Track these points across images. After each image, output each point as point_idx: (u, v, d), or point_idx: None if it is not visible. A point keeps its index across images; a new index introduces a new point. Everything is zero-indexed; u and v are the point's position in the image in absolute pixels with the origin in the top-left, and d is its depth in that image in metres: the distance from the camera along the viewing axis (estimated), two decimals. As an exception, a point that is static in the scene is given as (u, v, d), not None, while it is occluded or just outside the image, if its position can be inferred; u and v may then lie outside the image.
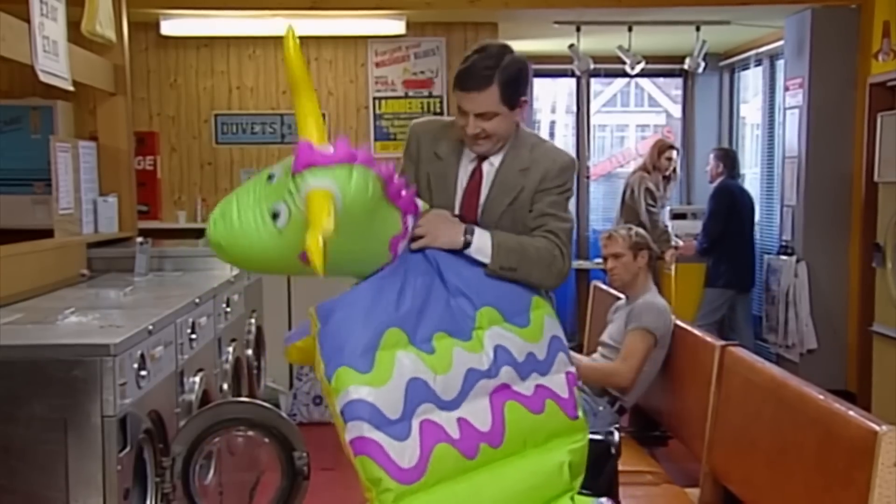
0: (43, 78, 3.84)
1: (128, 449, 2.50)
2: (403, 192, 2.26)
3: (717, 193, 6.63)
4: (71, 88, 4.13)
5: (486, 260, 2.42)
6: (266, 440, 2.95)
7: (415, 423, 2.16)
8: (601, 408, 3.67)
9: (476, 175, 2.58)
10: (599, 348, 3.94)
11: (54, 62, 3.98)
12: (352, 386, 2.13)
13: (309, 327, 2.29)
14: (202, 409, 3.01)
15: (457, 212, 2.54)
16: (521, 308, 2.45)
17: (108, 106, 5.07)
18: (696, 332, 3.60)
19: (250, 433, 2.97)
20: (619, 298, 4.18)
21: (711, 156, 6.86)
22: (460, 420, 2.22)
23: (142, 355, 2.66)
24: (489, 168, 2.57)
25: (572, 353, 4.14)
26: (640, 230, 3.97)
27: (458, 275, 2.38)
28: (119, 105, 5.08)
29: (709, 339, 3.39)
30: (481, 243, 2.43)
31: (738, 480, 2.90)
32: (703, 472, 3.11)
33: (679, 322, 3.76)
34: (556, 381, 2.46)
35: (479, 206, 2.55)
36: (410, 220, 2.36)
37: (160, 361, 2.84)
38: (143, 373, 2.66)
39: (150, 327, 2.76)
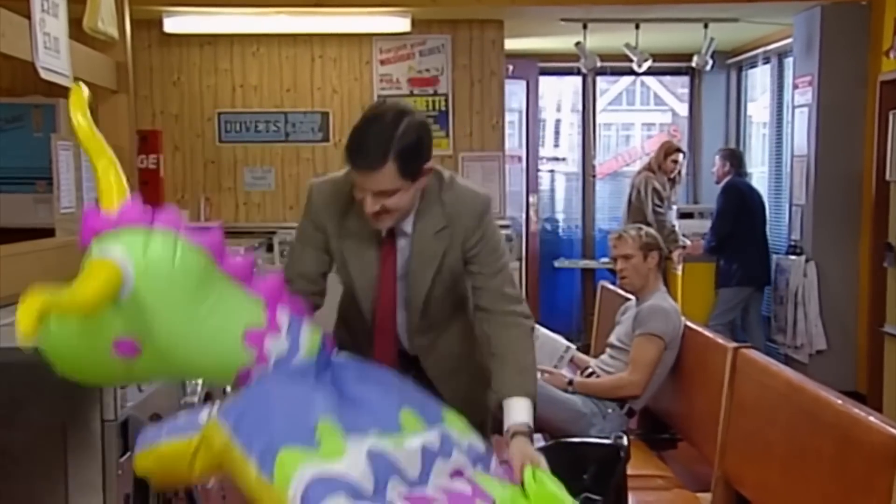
0: (43, 75, 3.78)
1: (129, 454, 2.44)
2: (250, 271, 1.93)
3: (725, 191, 6.57)
4: (72, 85, 4.06)
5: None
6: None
7: (396, 501, 1.78)
8: (610, 410, 3.62)
9: (388, 252, 2.37)
10: (608, 349, 3.88)
11: (55, 59, 3.92)
12: (305, 464, 1.72)
13: (183, 426, 1.93)
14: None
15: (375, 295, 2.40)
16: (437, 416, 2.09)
17: (111, 104, 5.00)
18: (707, 333, 3.54)
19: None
20: (627, 298, 4.12)
21: (717, 156, 6.81)
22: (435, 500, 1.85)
23: (143, 357, 2.60)
24: (403, 240, 2.37)
25: (581, 356, 4.12)
26: (651, 230, 3.91)
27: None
28: (121, 103, 5.01)
29: (720, 340, 3.33)
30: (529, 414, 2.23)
31: (751, 485, 2.84)
32: (716, 477, 3.05)
33: (689, 323, 3.70)
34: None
35: (396, 288, 2.39)
36: (284, 315, 1.97)
37: (162, 364, 2.79)
38: (145, 375, 2.60)
39: (152, 329, 2.70)
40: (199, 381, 3.24)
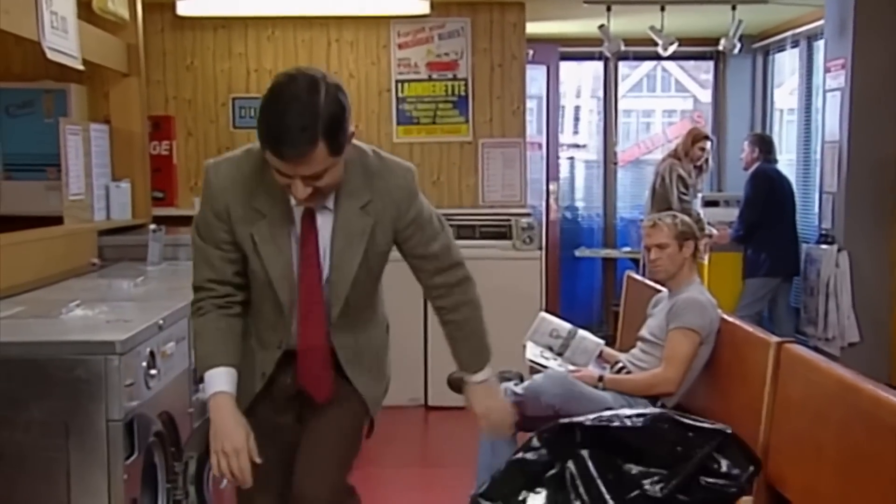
0: (50, 55, 3.64)
1: (135, 455, 2.30)
2: None
3: (753, 178, 6.38)
4: (81, 67, 3.93)
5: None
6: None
7: None
8: (641, 408, 3.45)
9: (308, 229, 2.16)
10: (639, 343, 3.71)
11: (63, 39, 3.78)
12: None
13: None
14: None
15: (296, 278, 2.18)
16: None
17: (122, 87, 4.89)
18: (746, 327, 3.35)
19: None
20: (657, 290, 3.95)
21: (745, 142, 6.62)
22: None
23: (151, 352, 2.46)
24: (324, 216, 2.16)
25: (610, 351, 3.95)
26: (686, 218, 3.72)
27: None
28: (132, 86, 4.90)
29: (761, 335, 3.15)
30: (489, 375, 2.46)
31: (798, 489, 2.66)
32: (758, 479, 2.86)
33: (726, 316, 3.52)
34: None
35: (322, 268, 2.17)
36: None
37: (171, 358, 2.64)
38: (153, 371, 2.46)
39: (161, 322, 2.55)
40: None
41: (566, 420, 2.88)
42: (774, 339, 2.98)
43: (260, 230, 2.13)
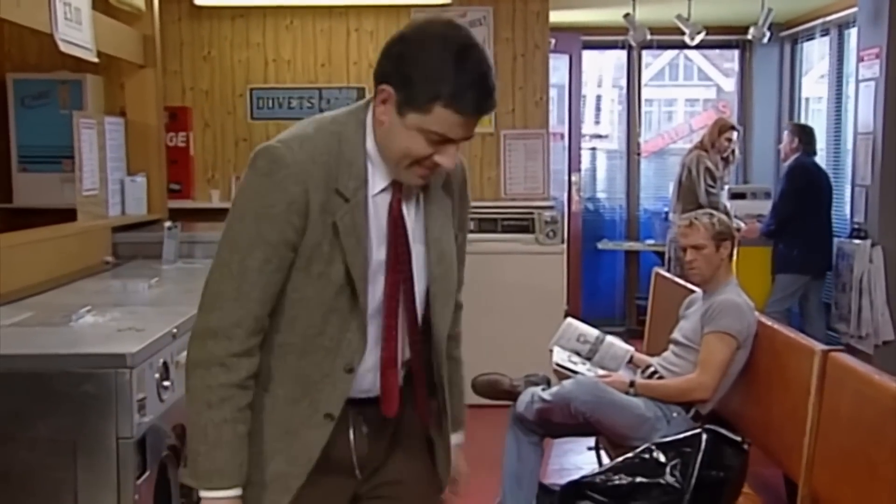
0: (63, 48, 3.52)
1: (147, 473, 2.18)
2: None
3: (791, 171, 6.19)
4: (95, 60, 3.81)
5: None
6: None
7: None
8: (675, 414, 3.32)
9: (396, 215, 1.74)
10: (671, 346, 3.56)
11: (77, 31, 3.66)
12: None
13: None
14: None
15: (381, 269, 1.74)
16: None
17: (137, 79, 4.77)
18: (787, 332, 3.20)
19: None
20: (688, 289, 3.80)
21: (786, 132, 6.43)
22: None
23: (164, 363, 2.33)
24: (412, 195, 1.78)
25: (640, 356, 3.81)
26: (723, 217, 3.56)
27: None
28: (149, 78, 4.78)
29: (804, 341, 2.99)
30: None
31: (847, 508, 2.52)
32: (802, 495, 2.72)
33: (764, 319, 3.37)
34: None
35: (411, 257, 1.75)
36: None
37: (187, 367, 2.51)
38: (167, 383, 2.33)
39: (175, 330, 2.43)
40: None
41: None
42: (819, 346, 2.83)
43: (343, 219, 1.68)
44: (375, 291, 1.73)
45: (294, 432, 1.72)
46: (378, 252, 1.72)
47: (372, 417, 1.78)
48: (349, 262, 1.67)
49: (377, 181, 1.72)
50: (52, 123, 5.51)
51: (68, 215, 4.00)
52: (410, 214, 1.76)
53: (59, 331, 2.43)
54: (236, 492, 1.67)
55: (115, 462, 2.09)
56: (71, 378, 2.09)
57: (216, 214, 5.97)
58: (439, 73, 1.60)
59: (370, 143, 1.72)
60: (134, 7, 4.46)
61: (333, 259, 1.67)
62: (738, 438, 2.83)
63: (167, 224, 4.04)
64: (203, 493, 1.67)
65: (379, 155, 1.71)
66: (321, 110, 6.26)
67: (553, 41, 6.71)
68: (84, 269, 3.59)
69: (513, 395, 3.69)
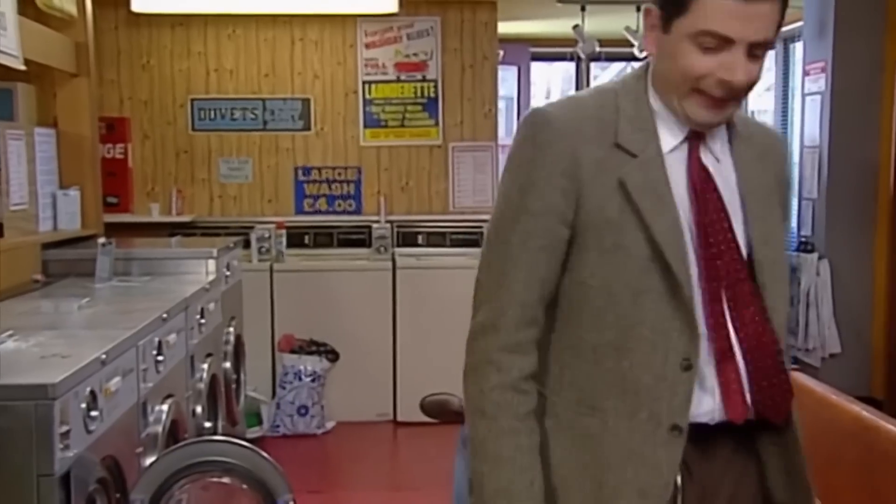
0: (-13, 55, 3.35)
1: (73, 513, 2.03)
2: None
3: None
4: (22, 67, 3.63)
5: None
6: (244, 486, 2.49)
7: None
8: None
9: (704, 178, 1.48)
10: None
11: (1, 37, 3.48)
12: None
13: None
14: (167, 451, 2.53)
15: (692, 250, 1.46)
16: None
17: (70, 88, 4.57)
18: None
19: (225, 479, 2.49)
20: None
21: None
22: None
23: (92, 392, 2.18)
24: (716, 159, 1.51)
25: None
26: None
27: None
28: (82, 87, 4.59)
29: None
30: None
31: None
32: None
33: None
34: None
35: (733, 231, 1.47)
36: None
37: (117, 395, 2.37)
38: (94, 413, 2.18)
39: (104, 356, 2.28)
40: (164, 409, 2.84)
41: None
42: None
43: (631, 175, 1.43)
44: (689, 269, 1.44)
45: (638, 453, 1.44)
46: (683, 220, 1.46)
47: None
48: (652, 226, 1.41)
49: (667, 138, 1.48)
50: (-18, 134, 5.29)
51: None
52: (720, 182, 1.49)
53: (-24, 359, 2.26)
54: None
55: (36, 501, 1.93)
56: (-15, 411, 1.93)
57: (156, 229, 5.81)
58: None
59: (653, 99, 1.50)
60: (65, 13, 4.28)
61: (625, 227, 1.42)
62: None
63: (101, 241, 3.86)
64: None
65: (663, 105, 1.49)
66: (265, 122, 6.15)
67: (502, 52, 6.65)
68: (10, 288, 3.41)
69: (462, 415, 3.58)
